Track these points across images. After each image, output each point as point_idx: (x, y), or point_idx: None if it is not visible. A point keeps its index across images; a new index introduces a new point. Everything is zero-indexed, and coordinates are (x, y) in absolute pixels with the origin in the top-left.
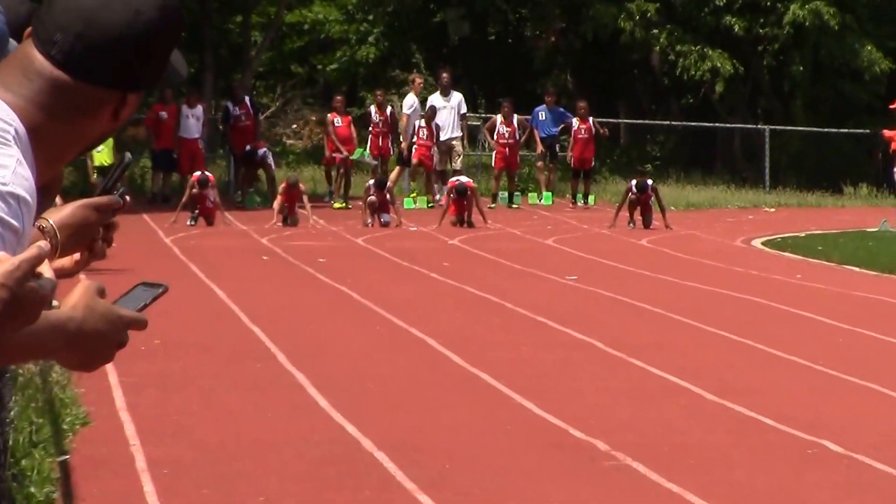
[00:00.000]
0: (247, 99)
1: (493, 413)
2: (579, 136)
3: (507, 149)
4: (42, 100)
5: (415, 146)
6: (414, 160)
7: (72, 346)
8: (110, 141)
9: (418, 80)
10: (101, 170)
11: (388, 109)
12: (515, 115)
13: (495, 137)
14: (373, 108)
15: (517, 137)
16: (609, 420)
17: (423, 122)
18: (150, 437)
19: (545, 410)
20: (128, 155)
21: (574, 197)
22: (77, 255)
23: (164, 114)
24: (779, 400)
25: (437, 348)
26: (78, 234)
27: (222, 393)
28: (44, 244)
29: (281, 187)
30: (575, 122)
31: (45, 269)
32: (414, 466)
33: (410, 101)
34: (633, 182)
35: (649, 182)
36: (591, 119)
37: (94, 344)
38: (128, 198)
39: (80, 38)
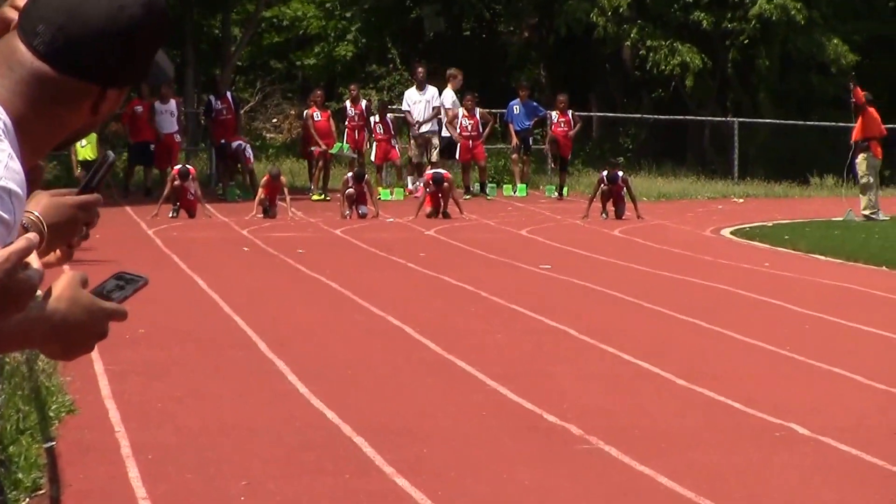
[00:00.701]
0: (228, 93)
1: (468, 398)
2: (559, 128)
3: (469, 141)
4: (24, 90)
5: (374, 147)
6: (376, 161)
7: (55, 337)
8: (94, 136)
9: (459, 76)
10: (85, 164)
11: (363, 103)
12: (478, 109)
13: (458, 130)
14: (348, 103)
15: (479, 130)
16: (581, 404)
17: (377, 118)
18: (134, 423)
19: (519, 395)
20: (109, 153)
21: (560, 190)
22: (58, 251)
23: (139, 108)
24: (746, 384)
25: (414, 336)
26: (63, 232)
27: (205, 380)
28: (32, 236)
29: (263, 180)
30: (554, 114)
31: (33, 260)
32: (392, 450)
33: (450, 95)
34: (605, 173)
35: (620, 173)
36: (570, 112)
37: (77, 335)
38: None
39: (62, 31)
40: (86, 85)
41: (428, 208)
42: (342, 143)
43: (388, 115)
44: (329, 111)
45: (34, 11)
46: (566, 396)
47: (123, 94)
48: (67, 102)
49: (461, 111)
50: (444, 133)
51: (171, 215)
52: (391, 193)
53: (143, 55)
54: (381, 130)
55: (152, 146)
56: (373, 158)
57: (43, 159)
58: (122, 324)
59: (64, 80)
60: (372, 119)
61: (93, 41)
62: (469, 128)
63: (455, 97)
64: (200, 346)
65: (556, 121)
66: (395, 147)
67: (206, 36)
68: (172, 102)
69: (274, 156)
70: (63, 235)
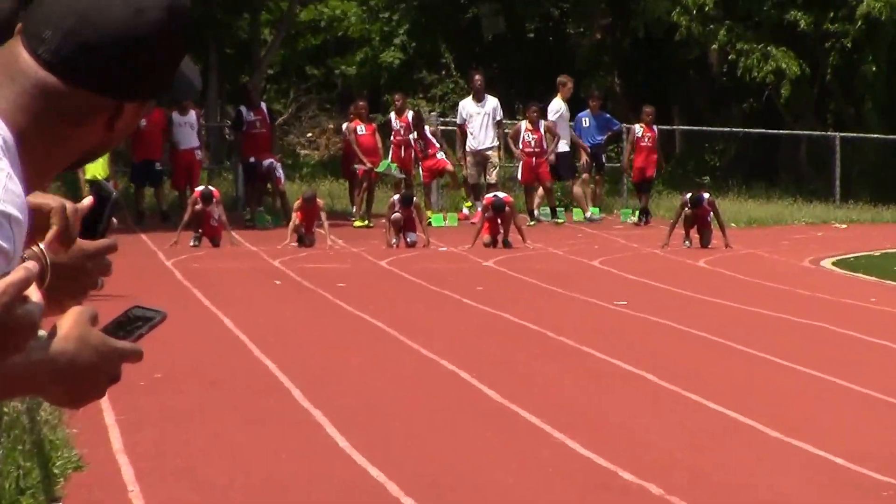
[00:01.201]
0: (262, 104)
1: (532, 452)
2: (642, 143)
3: (533, 158)
4: (27, 103)
5: (421, 161)
6: (424, 182)
7: (61, 382)
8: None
9: (569, 84)
10: (94, 184)
11: (410, 114)
12: (542, 121)
13: (520, 146)
14: (392, 115)
15: (544, 146)
16: (661, 460)
17: (415, 134)
18: (150, 481)
19: (590, 450)
20: (109, 188)
21: (637, 214)
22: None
23: (142, 122)
24: (850, 437)
25: (470, 381)
26: (72, 285)
27: (230, 431)
28: (32, 265)
29: (296, 203)
30: (638, 128)
31: (33, 293)
32: None
33: (556, 106)
34: (688, 196)
35: (706, 195)
36: (655, 127)
37: (86, 379)
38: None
39: (72, 36)
40: (99, 98)
41: (486, 236)
42: (389, 161)
43: (428, 127)
44: (374, 124)
45: (40, 14)
46: (644, 451)
47: (143, 109)
48: (77, 118)
49: (523, 125)
50: (563, 146)
51: (192, 244)
52: (444, 219)
53: (165, 64)
54: (423, 146)
55: (157, 165)
56: (421, 180)
57: (48, 182)
58: (136, 367)
59: (73, 93)
60: (411, 137)
61: (106, 49)
62: (532, 143)
63: (564, 109)
64: (225, 392)
65: (640, 135)
66: (443, 159)
67: (231, 39)
68: (192, 114)
69: (309, 175)
70: (68, 281)
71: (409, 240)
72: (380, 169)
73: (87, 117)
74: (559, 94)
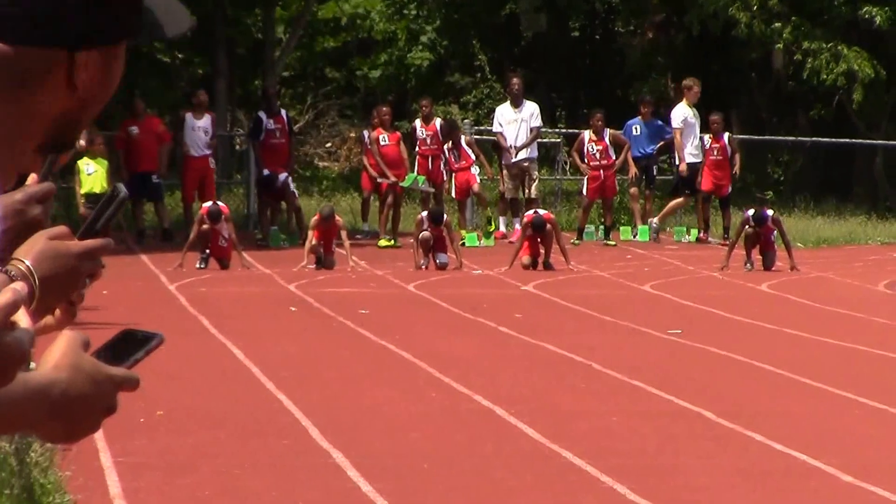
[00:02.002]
0: (283, 111)
1: (577, 499)
2: (711, 156)
3: (601, 172)
4: None
5: (454, 173)
6: (457, 197)
7: (54, 415)
8: (104, 165)
9: (695, 88)
10: (92, 198)
11: (438, 122)
12: (608, 130)
13: (585, 159)
14: (418, 122)
15: (612, 157)
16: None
17: (450, 144)
18: None
19: (642, 496)
20: (121, 187)
21: (706, 229)
22: (56, 312)
23: (134, 129)
24: None
25: (507, 419)
26: (61, 286)
27: (240, 475)
28: (20, 286)
29: (313, 221)
30: (707, 139)
31: (22, 318)
32: None
33: (681, 112)
34: (750, 213)
35: (769, 213)
36: (726, 135)
37: (80, 411)
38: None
39: None
40: (46, 52)
41: (525, 257)
42: (415, 174)
43: (464, 136)
44: (399, 133)
45: None
46: (701, 496)
47: (113, 58)
48: (29, 81)
49: (587, 135)
50: (691, 155)
51: (198, 266)
52: (479, 239)
53: None
54: (457, 158)
55: (154, 177)
56: (453, 194)
57: (25, 162)
58: (135, 403)
59: (17, 53)
60: (446, 147)
61: None
62: (598, 155)
63: (691, 114)
64: (235, 432)
65: (708, 147)
66: (474, 174)
67: (242, 38)
68: (208, 118)
69: (329, 190)
70: (61, 291)
71: (439, 261)
72: (406, 183)
73: (42, 78)
74: (684, 100)
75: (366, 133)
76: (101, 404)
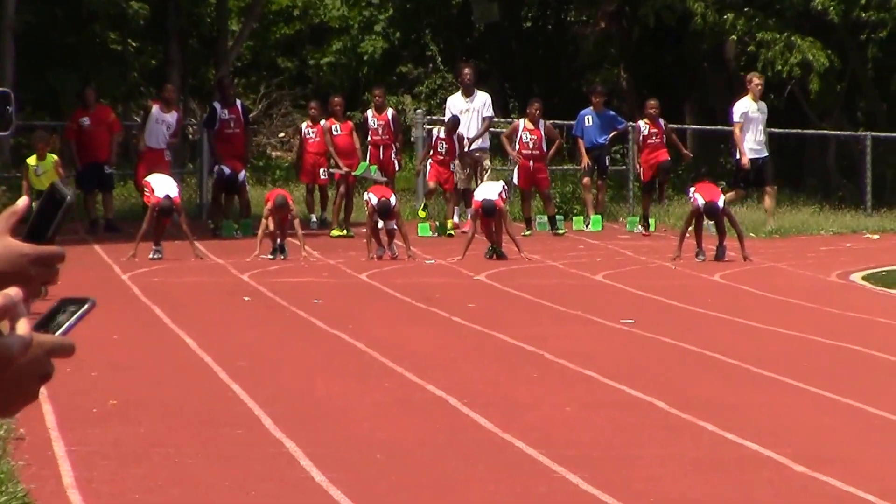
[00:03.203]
0: (238, 102)
1: (530, 489)
2: (649, 141)
3: (531, 161)
4: None
5: (430, 163)
6: (430, 182)
7: None
8: (53, 159)
9: (755, 81)
10: (50, 184)
11: (390, 112)
12: (543, 121)
13: (516, 147)
14: (370, 112)
15: (544, 148)
16: (673, 497)
17: (442, 134)
18: None
19: (594, 485)
20: (65, 191)
21: (646, 220)
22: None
23: (86, 120)
24: (885, 472)
25: (461, 409)
26: (9, 285)
27: (193, 465)
28: (14, 292)
29: (266, 208)
30: (643, 124)
31: (22, 325)
32: None
33: (742, 106)
34: (701, 203)
35: (721, 202)
36: (661, 121)
37: (12, 381)
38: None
39: None
40: None
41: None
42: (367, 163)
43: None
44: (351, 123)
45: None
46: (654, 486)
47: None
48: None
49: (521, 123)
50: (753, 151)
51: (152, 256)
52: (432, 230)
53: None
54: (445, 150)
55: (107, 168)
56: (426, 178)
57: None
58: (89, 394)
59: None
60: (434, 132)
61: None
62: (531, 145)
63: (753, 108)
64: (188, 422)
65: (646, 132)
66: (452, 173)
67: (195, 28)
68: (174, 114)
69: (282, 180)
70: (7, 287)
71: (391, 251)
72: (358, 172)
73: None
74: (749, 94)
75: (304, 124)
76: (34, 372)
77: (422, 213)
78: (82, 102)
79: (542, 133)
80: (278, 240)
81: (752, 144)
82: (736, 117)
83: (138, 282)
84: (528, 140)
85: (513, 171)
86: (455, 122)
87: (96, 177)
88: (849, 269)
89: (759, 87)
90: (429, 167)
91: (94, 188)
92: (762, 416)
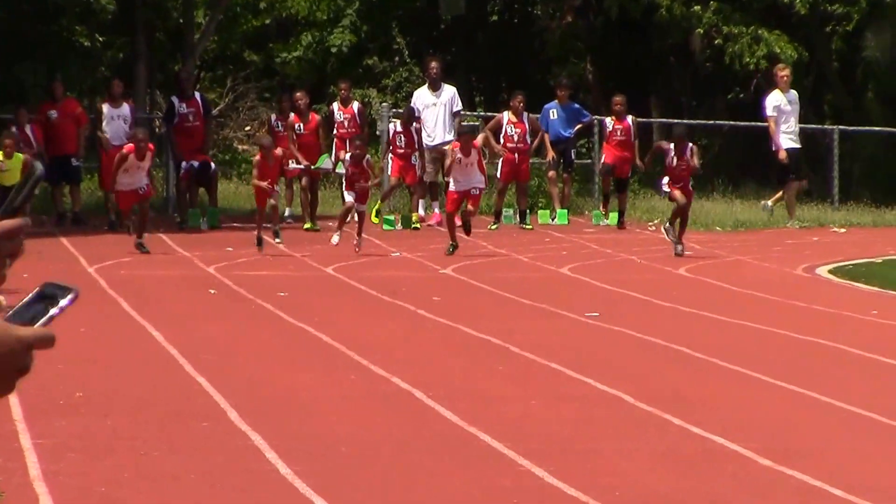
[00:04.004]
0: (197, 94)
1: (496, 482)
2: (615, 137)
3: (516, 155)
4: None
5: (391, 157)
6: (392, 178)
7: None
8: (20, 158)
9: (780, 73)
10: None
11: (356, 106)
12: (527, 114)
13: (501, 140)
14: (336, 105)
15: (528, 141)
16: (638, 490)
17: (399, 127)
18: None
19: (559, 478)
20: (38, 165)
21: (620, 216)
22: None
23: (53, 113)
24: (851, 465)
25: (426, 402)
26: None
27: (159, 457)
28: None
29: (256, 158)
30: (609, 121)
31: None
32: None
33: (774, 99)
34: (672, 145)
35: (690, 145)
36: (629, 118)
37: None
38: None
39: None
40: None
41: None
42: (327, 154)
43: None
44: (318, 117)
45: None
46: (620, 480)
47: None
48: None
49: (506, 116)
50: (790, 141)
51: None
52: (396, 223)
53: None
54: (403, 143)
55: (74, 160)
56: (389, 173)
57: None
58: (55, 386)
59: None
60: (391, 127)
61: None
62: (516, 138)
63: (784, 101)
64: (154, 415)
65: (611, 128)
66: (414, 166)
67: (162, 21)
68: (126, 107)
69: (248, 173)
70: None
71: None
72: (317, 165)
73: None
74: (778, 87)
75: (273, 116)
76: (13, 366)
77: (374, 220)
78: (50, 95)
79: (527, 126)
80: (257, 232)
81: (789, 135)
82: (769, 111)
83: (105, 274)
84: (513, 133)
85: (493, 163)
86: (410, 112)
87: (63, 169)
88: (815, 263)
89: (786, 77)
90: (391, 162)
91: (62, 181)
92: (727, 409)
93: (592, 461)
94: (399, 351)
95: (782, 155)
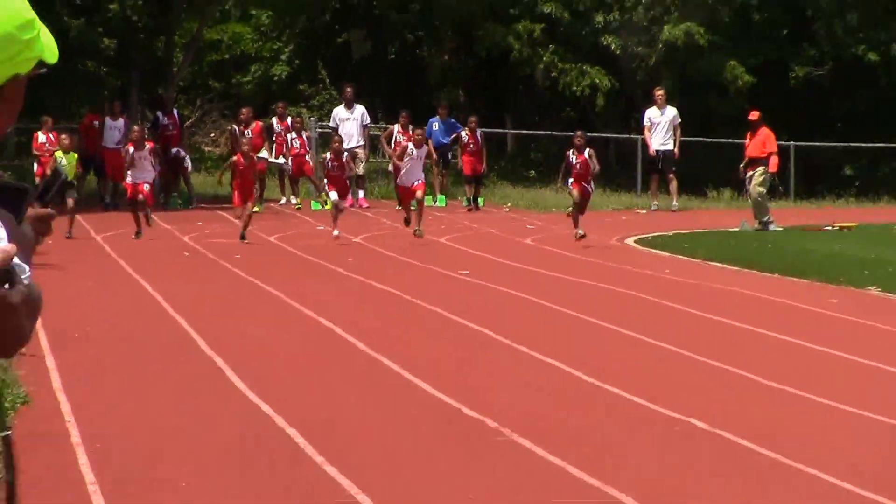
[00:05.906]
0: (175, 111)
1: (392, 394)
2: (468, 148)
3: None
4: None
5: (290, 157)
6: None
7: None
8: (74, 156)
9: (656, 93)
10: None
11: (289, 120)
12: (411, 127)
13: (392, 146)
14: (275, 120)
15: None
16: (496, 400)
17: (329, 155)
18: (84, 413)
19: (440, 390)
20: (61, 170)
21: (468, 200)
22: None
23: (97, 123)
24: (648, 382)
25: (343, 336)
26: (21, 248)
27: (149, 374)
28: (9, 247)
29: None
30: (464, 134)
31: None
32: (322, 440)
33: (647, 114)
34: (570, 150)
35: (587, 150)
36: (479, 132)
37: (9, 326)
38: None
39: None
40: None
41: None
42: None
43: (305, 131)
44: (261, 124)
45: None
46: (482, 393)
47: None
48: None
49: (396, 128)
50: (662, 144)
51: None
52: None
53: None
54: (298, 145)
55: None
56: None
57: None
58: (71, 322)
59: None
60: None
61: None
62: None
63: (656, 114)
64: (145, 343)
65: (465, 140)
66: (308, 162)
67: (150, 58)
68: (121, 120)
69: (212, 167)
70: (22, 251)
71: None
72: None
73: None
74: (655, 104)
75: (235, 126)
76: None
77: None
78: (100, 110)
79: (412, 135)
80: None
81: (658, 139)
82: (644, 121)
83: (109, 242)
84: (402, 140)
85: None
86: (300, 123)
87: (93, 163)
88: (624, 235)
89: (661, 97)
90: (291, 162)
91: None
92: (560, 341)
93: (462, 378)
94: (323, 299)
95: (651, 150)
